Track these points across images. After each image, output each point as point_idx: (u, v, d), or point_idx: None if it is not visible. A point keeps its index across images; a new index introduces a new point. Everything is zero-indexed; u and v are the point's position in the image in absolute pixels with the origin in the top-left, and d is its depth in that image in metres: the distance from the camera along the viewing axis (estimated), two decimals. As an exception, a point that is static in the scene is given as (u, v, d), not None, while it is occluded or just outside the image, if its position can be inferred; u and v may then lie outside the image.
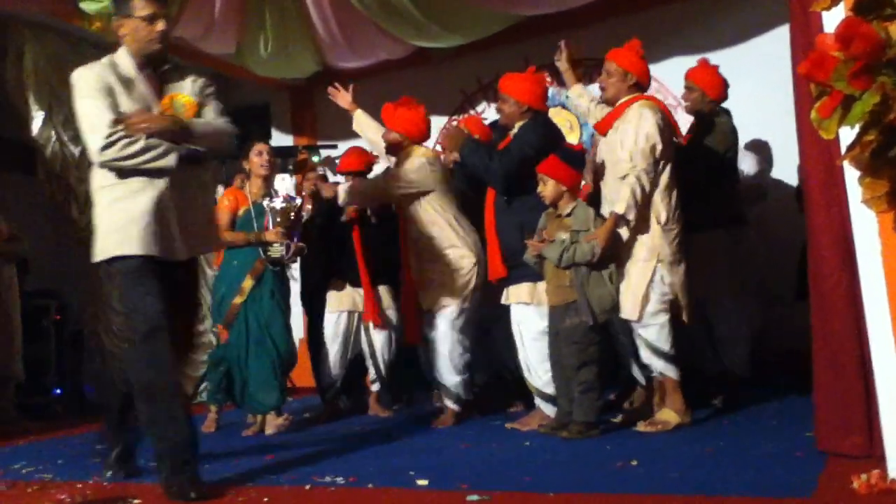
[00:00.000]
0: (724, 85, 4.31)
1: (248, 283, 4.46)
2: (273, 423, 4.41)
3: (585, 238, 3.56)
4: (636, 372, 4.15)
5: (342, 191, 4.49)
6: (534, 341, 3.91)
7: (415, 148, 4.44)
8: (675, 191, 3.72)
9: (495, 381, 4.86)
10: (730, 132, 4.25)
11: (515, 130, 4.03)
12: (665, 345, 3.65)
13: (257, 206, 4.53)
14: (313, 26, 5.86)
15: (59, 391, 6.33)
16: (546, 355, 3.85)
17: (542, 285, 3.85)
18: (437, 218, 4.33)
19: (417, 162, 4.34)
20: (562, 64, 4.28)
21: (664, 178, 3.68)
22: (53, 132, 6.19)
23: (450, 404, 4.34)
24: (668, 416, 3.62)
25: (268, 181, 4.57)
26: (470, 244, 4.32)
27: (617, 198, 3.64)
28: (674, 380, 3.66)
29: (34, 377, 5.94)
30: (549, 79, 6.20)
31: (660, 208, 3.67)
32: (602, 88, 3.93)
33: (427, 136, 4.55)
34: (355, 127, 4.85)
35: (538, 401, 3.94)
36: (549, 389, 3.86)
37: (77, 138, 6.33)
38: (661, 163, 3.67)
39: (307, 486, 2.85)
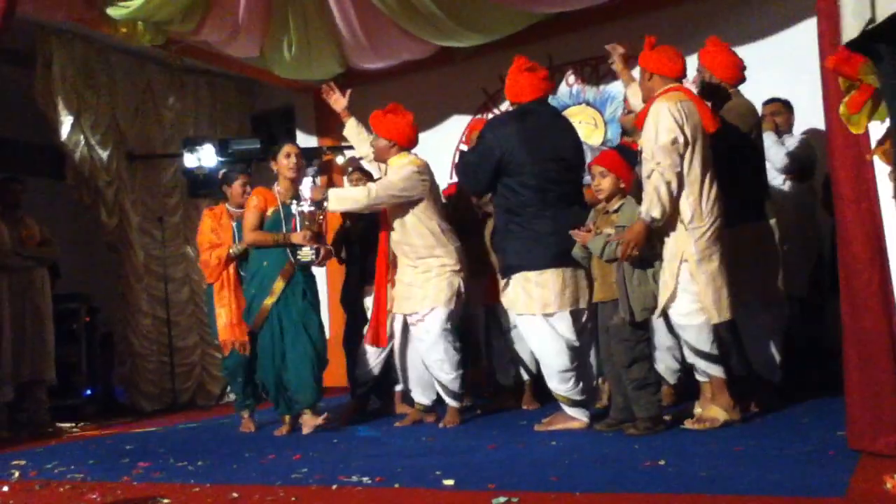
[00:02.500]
0: (734, 66, 4.00)
1: (279, 285, 4.49)
2: (310, 423, 4.42)
3: (614, 238, 3.53)
4: (664, 371, 4.13)
5: (332, 196, 4.42)
6: (533, 345, 3.98)
7: (403, 154, 4.45)
8: (706, 185, 3.54)
9: (513, 381, 4.89)
10: (748, 114, 3.98)
11: None
12: (705, 345, 3.56)
13: (286, 207, 4.56)
14: (336, 28, 5.89)
15: (89, 393, 6.40)
16: (541, 359, 3.91)
17: (511, 284, 3.93)
18: (420, 226, 4.36)
19: (407, 171, 4.35)
20: (616, 65, 4.11)
21: (691, 172, 3.51)
22: (82, 136, 6.29)
23: (451, 402, 4.39)
24: (716, 412, 3.55)
25: (296, 183, 4.58)
26: (451, 251, 4.39)
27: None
28: (720, 378, 3.58)
29: (65, 379, 6.02)
30: (573, 76, 6.23)
31: (684, 206, 3.51)
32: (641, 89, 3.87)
33: (415, 142, 4.53)
34: (346, 133, 4.85)
35: (561, 403, 3.93)
36: (563, 391, 3.87)
37: (104, 142, 6.43)
38: (688, 156, 3.51)
39: (334, 486, 2.86)
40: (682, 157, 3.49)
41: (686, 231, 3.52)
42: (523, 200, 3.89)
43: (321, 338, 4.54)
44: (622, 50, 4.06)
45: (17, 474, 3.63)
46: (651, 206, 3.45)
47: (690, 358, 3.65)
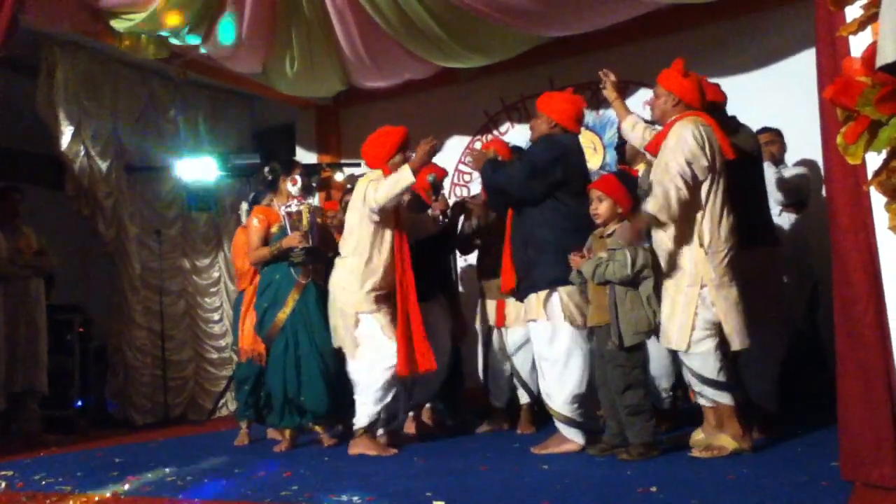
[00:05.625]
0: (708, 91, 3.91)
1: (293, 298, 4.47)
2: (324, 440, 4.50)
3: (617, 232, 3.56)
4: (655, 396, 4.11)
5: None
6: (545, 364, 3.91)
7: None
8: (726, 211, 3.53)
9: (506, 403, 4.90)
10: (753, 141, 4.01)
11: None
12: (712, 373, 3.48)
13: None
14: (339, 46, 5.92)
15: (81, 404, 6.37)
16: (560, 378, 3.85)
17: (555, 297, 3.85)
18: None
19: None
20: (609, 93, 4.04)
21: (711, 197, 3.50)
22: (82, 147, 6.30)
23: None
24: (724, 441, 3.48)
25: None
26: None
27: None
28: (729, 406, 3.51)
29: (57, 390, 5.99)
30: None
31: (703, 229, 3.48)
32: (651, 109, 3.85)
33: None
34: None
35: (558, 424, 3.91)
36: (566, 412, 3.84)
37: (104, 153, 6.44)
38: (707, 181, 3.49)
39: (324, 505, 2.84)
40: (699, 179, 3.48)
41: (706, 256, 3.48)
42: (578, 216, 3.86)
43: (334, 352, 4.44)
44: (614, 77, 4.04)
45: (3, 485, 3.60)
46: (657, 206, 3.44)
47: (697, 386, 3.57)
